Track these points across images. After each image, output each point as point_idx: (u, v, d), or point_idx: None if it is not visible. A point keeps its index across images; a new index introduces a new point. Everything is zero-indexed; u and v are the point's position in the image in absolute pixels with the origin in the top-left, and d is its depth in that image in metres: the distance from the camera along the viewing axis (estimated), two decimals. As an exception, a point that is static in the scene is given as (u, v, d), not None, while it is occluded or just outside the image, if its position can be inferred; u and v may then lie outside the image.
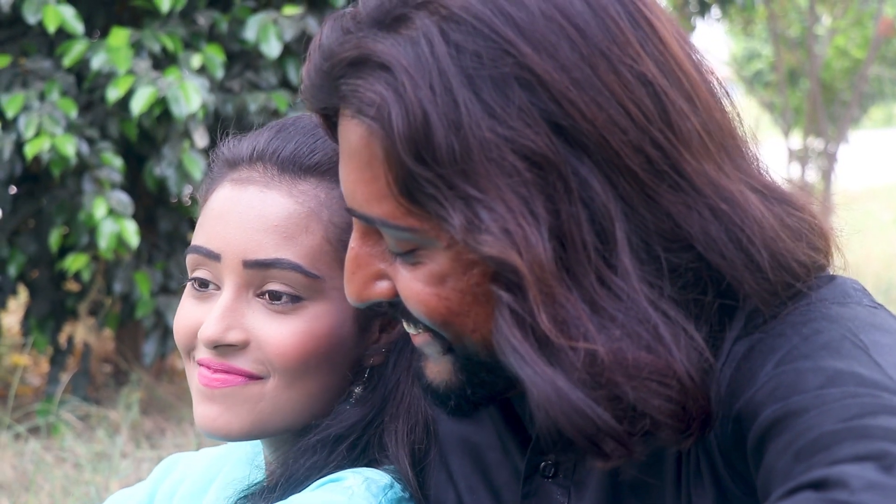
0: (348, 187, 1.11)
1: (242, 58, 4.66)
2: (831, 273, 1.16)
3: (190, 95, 4.14)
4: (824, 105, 10.97)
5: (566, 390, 1.00)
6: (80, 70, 4.40)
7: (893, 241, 10.51)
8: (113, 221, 4.22)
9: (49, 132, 4.11)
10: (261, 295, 1.29)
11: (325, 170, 1.29)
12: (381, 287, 1.14)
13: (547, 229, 1.02)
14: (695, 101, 1.08)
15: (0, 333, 4.97)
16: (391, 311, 1.16)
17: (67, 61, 4.23)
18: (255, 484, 1.34)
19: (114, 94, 4.15)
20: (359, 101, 1.05)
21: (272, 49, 4.39)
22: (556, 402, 1.01)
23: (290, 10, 4.49)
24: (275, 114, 4.45)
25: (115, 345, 5.41)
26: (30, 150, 4.09)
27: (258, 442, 1.44)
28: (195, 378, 1.31)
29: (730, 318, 1.10)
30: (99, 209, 4.20)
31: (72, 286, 5.05)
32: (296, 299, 1.28)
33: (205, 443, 4.29)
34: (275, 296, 1.28)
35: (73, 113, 4.18)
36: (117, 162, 4.32)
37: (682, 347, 1.04)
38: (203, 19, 4.54)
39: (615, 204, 1.04)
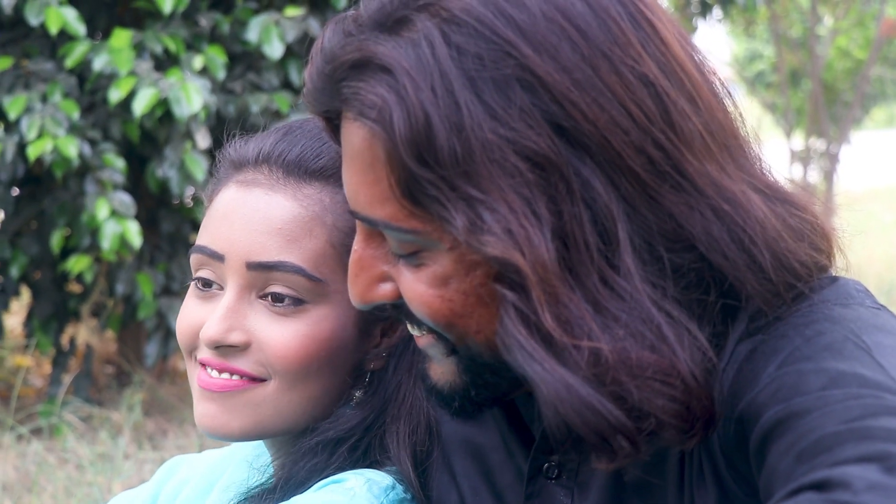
0: (351, 190, 1.12)
1: (244, 59, 4.67)
2: (834, 274, 1.16)
3: (192, 97, 4.14)
4: (826, 106, 10.96)
5: (576, 386, 1.01)
6: (82, 71, 4.41)
7: (895, 242, 10.50)
8: (115, 222, 4.22)
9: (51, 134, 4.11)
10: (263, 297, 1.29)
11: (330, 174, 1.29)
12: (385, 289, 1.14)
13: (549, 230, 1.02)
14: (697, 102, 1.08)
15: (2, 335, 4.97)
16: (395, 312, 1.16)
17: (69, 63, 4.23)
18: (258, 485, 1.34)
19: (116, 95, 4.16)
20: (360, 103, 1.05)
21: (274, 50, 4.39)
22: (566, 398, 1.01)
23: (291, 12, 4.49)
24: (276, 115, 4.46)
25: (117, 346, 5.41)
26: (32, 152, 4.10)
27: (261, 444, 1.44)
28: (196, 378, 1.32)
29: (732, 319, 1.10)
30: (101, 210, 4.20)
31: (74, 288, 5.06)
32: (298, 302, 1.28)
33: (207, 444, 4.29)
34: (277, 298, 1.28)
35: (76, 114, 4.19)
36: (119, 163, 4.33)
37: (686, 347, 1.04)
38: (205, 20, 4.54)
39: (617, 204, 1.04)
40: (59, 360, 4.94)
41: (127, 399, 4.81)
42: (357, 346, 1.32)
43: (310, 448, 1.30)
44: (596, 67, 1.04)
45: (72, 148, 4.09)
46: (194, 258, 1.33)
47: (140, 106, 4.11)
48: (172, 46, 4.33)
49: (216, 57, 4.37)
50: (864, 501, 0.86)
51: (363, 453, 1.31)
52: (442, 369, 1.17)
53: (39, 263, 4.80)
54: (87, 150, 4.23)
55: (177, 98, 4.14)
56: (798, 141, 11.55)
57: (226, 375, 1.30)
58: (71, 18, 4.18)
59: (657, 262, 1.05)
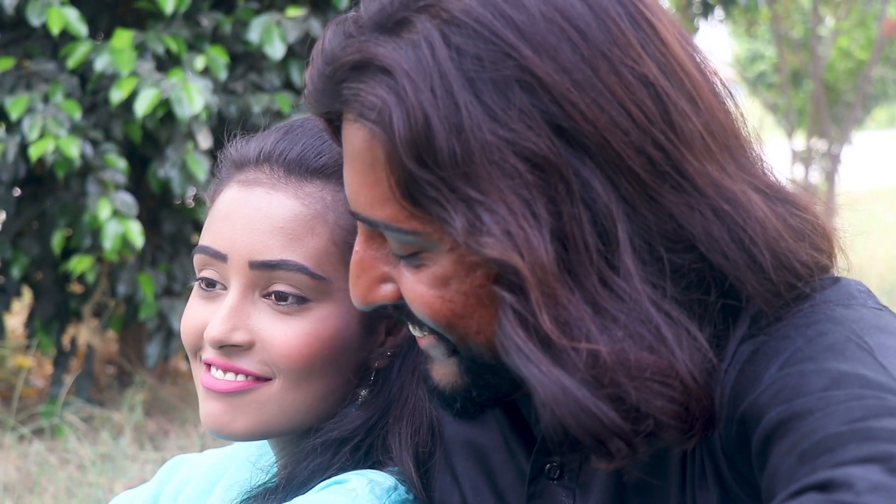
0: (352, 191, 1.12)
1: (246, 59, 4.67)
2: (835, 274, 1.16)
3: (193, 97, 4.14)
4: (828, 106, 10.96)
5: (572, 389, 1.01)
6: (83, 72, 4.41)
7: (897, 243, 10.49)
8: (117, 222, 4.23)
9: (53, 134, 4.12)
10: (267, 296, 1.29)
11: (332, 172, 1.29)
12: (386, 290, 1.14)
13: (549, 231, 1.02)
14: (697, 102, 1.08)
15: (4, 335, 4.97)
16: (396, 313, 1.16)
17: (71, 63, 4.23)
18: (260, 485, 1.34)
19: (117, 95, 4.16)
20: (360, 104, 1.06)
21: (275, 51, 4.39)
22: (562, 400, 1.01)
23: (293, 12, 4.49)
24: (278, 115, 4.46)
25: (118, 347, 5.41)
26: (34, 152, 4.10)
27: (263, 443, 1.44)
28: (200, 379, 1.32)
29: (734, 320, 1.10)
30: (103, 210, 4.21)
31: (76, 288, 5.06)
32: (302, 301, 1.28)
33: (208, 444, 4.29)
34: (281, 297, 1.28)
35: (77, 115, 4.19)
36: (121, 163, 4.33)
37: (685, 348, 1.04)
38: (206, 21, 4.55)
39: (617, 205, 1.04)
40: (61, 361, 4.94)
41: (128, 399, 4.81)
42: (361, 344, 1.32)
43: (313, 448, 1.30)
44: (595, 68, 1.04)
45: (73, 148, 4.10)
46: (197, 258, 1.33)
47: (142, 106, 4.11)
48: (174, 47, 4.33)
49: (218, 57, 4.37)
50: (866, 502, 0.87)
51: (365, 454, 1.31)
52: (444, 370, 1.17)
53: (41, 264, 4.80)
54: (88, 150, 4.23)
55: (178, 98, 4.14)
56: (799, 141, 11.54)
57: (230, 375, 1.30)
58: (73, 19, 4.18)
59: (657, 263, 1.05)
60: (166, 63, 4.44)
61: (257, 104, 4.43)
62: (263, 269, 1.28)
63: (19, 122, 4.21)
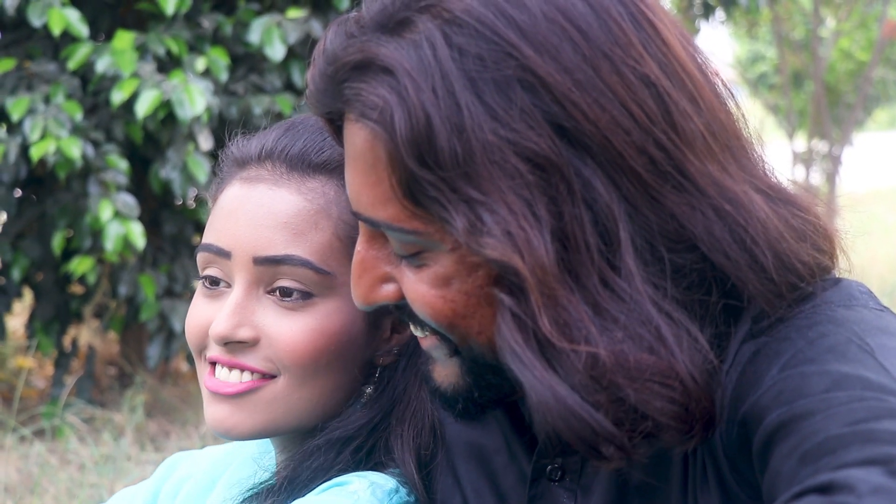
0: (353, 190, 1.12)
1: (246, 61, 4.67)
2: (836, 275, 1.15)
3: (194, 98, 4.15)
4: (828, 107, 10.96)
5: (564, 395, 1.00)
6: (85, 73, 4.41)
7: (898, 244, 10.48)
8: (119, 224, 4.23)
9: (54, 135, 4.12)
10: (271, 292, 1.29)
11: (334, 167, 1.29)
12: (388, 290, 1.14)
13: (549, 231, 1.02)
14: (698, 102, 1.08)
15: (5, 336, 4.97)
16: (398, 313, 1.16)
17: (72, 64, 4.23)
18: (262, 483, 1.34)
19: (118, 96, 4.16)
20: (362, 104, 1.06)
21: (276, 52, 4.39)
22: (553, 406, 1.01)
23: (294, 13, 4.49)
24: (279, 116, 4.46)
25: (119, 348, 5.41)
26: (35, 153, 4.10)
27: (265, 441, 1.44)
28: (205, 381, 1.31)
29: (735, 320, 1.10)
30: (105, 211, 4.21)
31: (76, 289, 5.06)
32: (306, 296, 1.28)
33: (209, 445, 4.28)
34: (285, 292, 1.28)
35: (79, 115, 4.19)
36: (122, 164, 4.33)
37: (685, 349, 1.04)
38: (207, 22, 4.55)
39: (618, 205, 1.04)
40: (62, 362, 4.94)
41: (129, 400, 4.81)
42: (367, 340, 1.32)
43: (315, 448, 1.30)
44: (597, 68, 1.04)
45: (75, 149, 4.10)
46: (201, 257, 1.33)
47: (143, 108, 4.11)
48: (175, 48, 4.33)
49: (218, 59, 4.37)
50: (867, 505, 0.86)
51: (367, 454, 1.31)
52: (445, 371, 1.17)
53: (41, 265, 4.80)
54: (90, 151, 4.24)
55: (179, 100, 4.14)
56: (800, 143, 11.54)
57: (235, 373, 1.29)
58: (74, 20, 4.18)
59: (658, 263, 1.05)
60: (167, 64, 4.44)
61: (258, 105, 4.43)
62: (268, 264, 1.28)
63: (20, 123, 4.21)
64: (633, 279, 1.03)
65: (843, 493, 0.88)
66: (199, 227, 4.96)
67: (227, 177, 1.35)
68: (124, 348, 5.32)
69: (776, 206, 1.10)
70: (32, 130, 4.12)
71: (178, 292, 4.80)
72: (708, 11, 7.02)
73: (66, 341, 5.05)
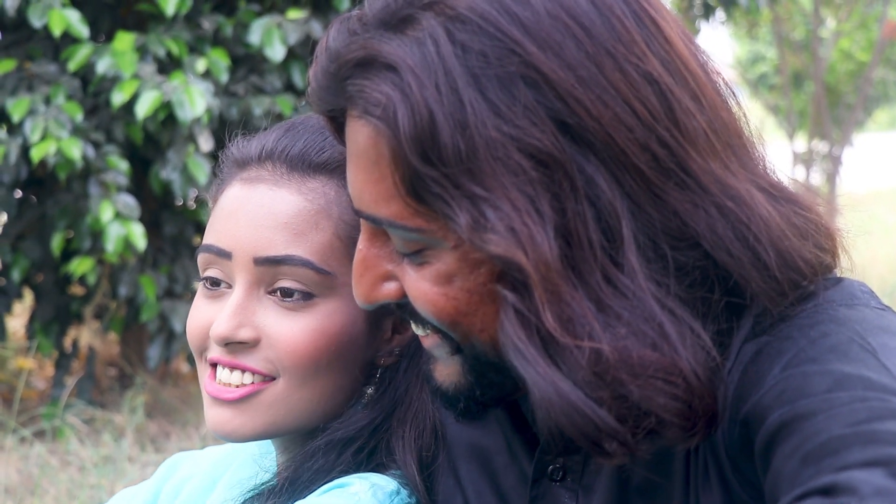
0: (356, 188, 1.12)
1: (247, 62, 4.67)
2: (838, 275, 1.15)
3: (195, 99, 4.15)
4: (829, 108, 10.96)
5: (567, 391, 1.00)
6: (85, 74, 4.41)
7: (898, 244, 10.48)
8: (120, 224, 4.23)
9: (55, 136, 4.12)
10: (272, 292, 1.29)
11: (334, 167, 1.29)
12: (390, 288, 1.14)
13: (553, 228, 1.02)
14: (701, 100, 1.08)
15: (5, 337, 4.97)
16: (400, 311, 1.16)
17: (73, 65, 4.23)
18: (263, 484, 1.34)
19: (119, 98, 4.16)
20: (365, 101, 1.05)
21: (276, 53, 4.39)
22: (556, 402, 1.01)
23: (294, 14, 4.49)
24: (279, 117, 4.45)
25: (119, 348, 5.41)
26: (36, 154, 4.10)
27: (266, 442, 1.44)
28: (206, 385, 1.31)
29: (738, 318, 1.10)
30: (105, 212, 4.21)
31: (77, 290, 5.06)
32: (307, 296, 1.28)
33: (209, 445, 4.28)
34: (286, 293, 1.28)
35: (79, 116, 4.19)
36: (123, 165, 4.33)
37: (688, 346, 1.04)
38: (207, 23, 4.55)
39: (621, 202, 1.04)
40: (62, 363, 4.94)
41: (129, 401, 4.81)
42: (368, 340, 1.32)
43: (316, 449, 1.30)
44: (600, 65, 1.04)
45: (75, 150, 4.10)
46: (201, 258, 1.33)
47: (143, 109, 4.12)
48: (175, 49, 4.33)
49: (219, 60, 4.37)
50: (869, 507, 0.86)
51: (368, 456, 1.31)
52: (447, 370, 1.16)
53: (42, 266, 4.80)
54: (90, 152, 4.24)
55: (180, 101, 4.14)
56: (801, 143, 11.55)
57: (236, 374, 1.29)
58: (74, 20, 4.18)
59: (661, 260, 1.05)
60: (167, 65, 4.44)
61: (258, 106, 4.43)
62: (268, 264, 1.28)
63: (21, 123, 4.21)
64: (636, 276, 1.03)
65: (846, 494, 0.88)
66: (200, 228, 4.96)
67: (227, 177, 1.35)
68: (125, 349, 5.32)
69: (778, 204, 1.10)
70: (33, 131, 4.12)
71: (178, 293, 4.80)
72: (708, 12, 7.03)
73: (67, 342, 5.05)
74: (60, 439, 4.48)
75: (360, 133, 1.08)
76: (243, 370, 1.29)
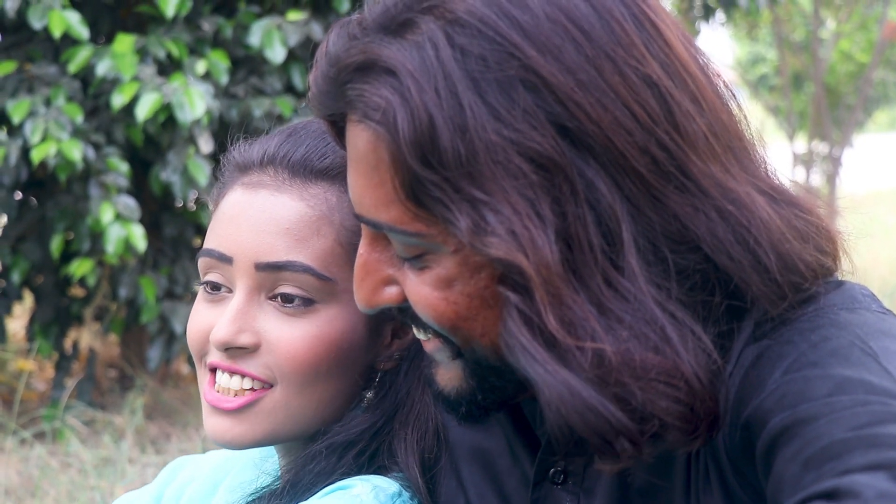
0: (356, 193, 1.12)
1: (247, 63, 4.67)
2: (839, 277, 1.15)
3: (194, 101, 4.15)
4: (829, 109, 10.96)
5: (578, 388, 1.00)
6: (85, 75, 4.41)
7: (899, 245, 10.48)
8: (120, 226, 4.23)
9: (55, 137, 4.12)
10: (273, 298, 1.29)
11: (336, 173, 1.29)
12: (391, 292, 1.14)
13: (553, 231, 1.02)
14: (700, 103, 1.08)
15: (5, 339, 4.97)
16: (401, 316, 1.16)
17: (73, 67, 4.24)
18: (264, 488, 1.34)
19: (119, 100, 4.16)
20: (365, 105, 1.05)
21: (276, 54, 4.39)
22: (568, 400, 1.00)
23: (294, 16, 4.49)
24: (279, 119, 4.46)
25: (120, 350, 5.41)
26: (36, 155, 4.10)
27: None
28: (205, 393, 1.31)
29: (738, 321, 1.10)
30: (106, 214, 4.21)
31: (77, 291, 5.06)
32: (308, 302, 1.28)
33: (210, 448, 4.28)
34: (287, 298, 1.28)
35: (79, 118, 4.19)
36: (123, 167, 4.33)
37: (690, 349, 1.04)
38: (207, 25, 4.55)
39: (621, 205, 1.04)
40: (62, 364, 4.94)
41: (130, 403, 4.81)
42: (368, 346, 1.32)
43: (318, 452, 1.30)
44: (599, 68, 1.04)
45: (76, 151, 4.10)
46: (202, 262, 1.32)
47: (143, 111, 4.12)
48: (175, 51, 4.33)
49: (219, 61, 4.37)
50: (873, 511, 0.86)
51: (370, 458, 1.30)
52: (449, 374, 1.16)
53: (42, 267, 4.80)
54: (90, 153, 4.24)
55: (180, 103, 4.15)
56: (801, 144, 11.55)
57: (236, 379, 1.29)
58: (74, 22, 4.18)
59: (662, 264, 1.05)
60: (167, 67, 4.44)
61: (258, 108, 4.43)
62: (269, 270, 1.27)
63: (21, 125, 4.21)
64: (637, 279, 1.03)
65: (849, 498, 0.88)
66: (200, 230, 4.96)
67: (228, 182, 1.35)
68: (125, 351, 5.32)
69: (779, 207, 1.10)
70: (33, 133, 4.12)
71: (178, 294, 4.80)
72: (708, 13, 7.03)
73: (67, 344, 5.05)
74: (60, 441, 4.48)
75: (359, 137, 1.08)
76: (243, 375, 1.29)
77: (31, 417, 4.74)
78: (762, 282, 1.07)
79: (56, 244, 4.44)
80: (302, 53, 4.57)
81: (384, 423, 1.31)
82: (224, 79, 4.36)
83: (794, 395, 1.00)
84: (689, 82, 1.08)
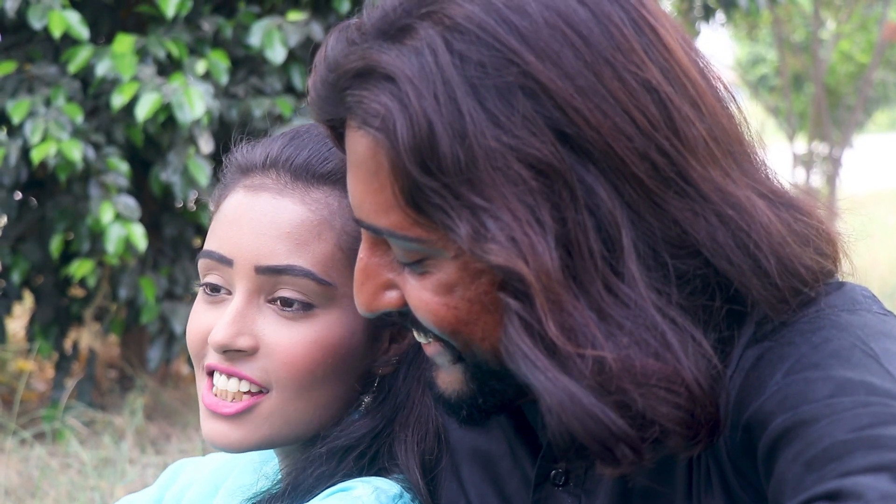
0: (356, 198, 1.11)
1: (247, 63, 4.67)
2: (839, 279, 1.15)
3: (194, 101, 4.14)
4: (829, 109, 10.96)
5: (579, 395, 1.00)
6: (85, 76, 4.41)
7: (899, 246, 10.48)
8: (120, 226, 4.23)
9: (55, 137, 4.12)
10: (272, 301, 1.29)
11: (338, 178, 1.29)
12: (391, 297, 1.14)
13: (553, 237, 1.02)
14: (700, 108, 1.08)
15: (5, 339, 4.97)
16: (401, 320, 1.16)
17: (73, 67, 4.23)
18: (264, 491, 1.34)
19: (119, 100, 4.16)
20: (364, 112, 1.05)
21: (276, 55, 4.39)
22: (568, 406, 1.00)
23: (294, 16, 4.49)
24: (279, 119, 4.46)
25: (120, 350, 5.41)
26: (36, 156, 4.10)
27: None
28: (203, 397, 1.31)
29: (739, 325, 1.10)
30: (106, 214, 4.21)
31: (77, 292, 5.06)
32: (307, 307, 1.28)
33: (210, 448, 4.27)
34: (286, 302, 1.28)
35: (79, 118, 4.19)
36: (123, 167, 4.33)
37: (690, 354, 1.04)
38: (208, 25, 4.55)
39: (621, 211, 1.04)
40: (62, 365, 4.94)
41: (129, 403, 4.81)
42: (366, 351, 1.32)
43: (318, 455, 1.30)
44: (599, 74, 1.04)
45: (76, 152, 4.10)
46: (202, 263, 1.32)
47: (143, 111, 4.12)
48: (175, 51, 4.33)
49: (219, 61, 4.37)
50: (876, 512, 0.86)
51: (371, 461, 1.30)
52: (449, 378, 1.16)
53: (42, 268, 4.80)
54: (90, 153, 4.23)
55: (179, 103, 4.14)
56: (801, 145, 11.55)
57: (233, 382, 1.29)
58: (74, 22, 4.18)
59: (662, 269, 1.05)
60: (167, 67, 4.44)
61: (258, 108, 4.43)
62: (269, 274, 1.27)
63: (21, 125, 4.21)
64: (637, 285, 1.03)
65: (851, 500, 0.88)
66: (200, 230, 4.96)
67: (230, 183, 1.35)
68: (125, 351, 5.32)
69: (779, 210, 1.10)
70: (33, 133, 4.12)
71: (178, 295, 4.80)
72: (708, 14, 7.03)
73: (67, 344, 5.05)
74: (60, 441, 4.48)
75: (359, 143, 1.08)
76: (240, 378, 1.29)
77: (30, 418, 4.74)
78: (762, 286, 1.07)
79: (56, 244, 4.44)
80: (302, 54, 4.57)
81: (384, 426, 1.31)
82: (224, 79, 4.36)
83: (796, 396, 1.00)
84: (688, 87, 1.08)
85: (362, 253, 1.15)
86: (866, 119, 14.09)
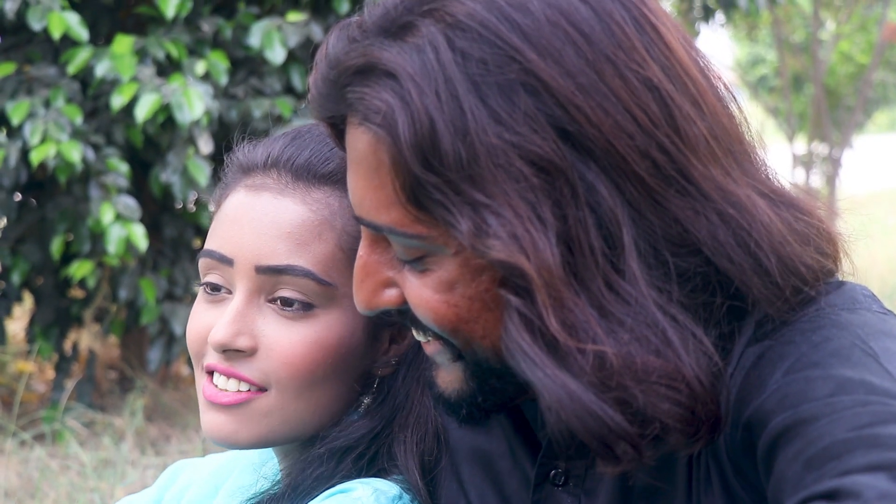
0: (356, 195, 1.11)
1: (246, 64, 4.67)
2: (840, 278, 1.15)
3: (193, 102, 4.14)
4: (829, 110, 10.97)
5: (578, 392, 1.00)
6: (84, 77, 4.41)
7: (898, 246, 10.48)
8: (121, 226, 4.23)
9: (55, 138, 4.12)
10: (272, 301, 1.29)
11: (339, 178, 1.29)
12: (390, 295, 1.14)
13: (554, 234, 1.02)
14: (701, 106, 1.08)
15: (5, 340, 4.96)
16: (400, 318, 1.16)
17: (72, 68, 4.23)
18: (263, 492, 1.34)
19: (118, 101, 4.16)
20: (365, 108, 1.05)
21: (276, 55, 4.39)
22: (568, 404, 1.00)
23: (294, 17, 4.49)
24: (279, 120, 4.46)
25: (120, 351, 5.41)
26: (35, 157, 4.10)
27: (267, 449, 1.43)
28: (203, 388, 1.31)
29: (739, 324, 1.10)
30: (106, 214, 4.21)
31: (77, 293, 5.05)
32: (307, 307, 1.28)
33: (210, 449, 4.28)
34: (286, 302, 1.28)
35: (79, 119, 4.19)
36: (123, 167, 4.33)
37: (691, 352, 1.04)
38: (207, 26, 4.55)
39: (622, 209, 1.04)
40: (62, 366, 4.94)
41: (129, 404, 4.81)
42: (366, 352, 1.31)
43: (317, 456, 1.29)
44: (600, 72, 1.04)
45: (75, 153, 4.10)
46: (203, 263, 1.32)
47: (142, 112, 4.12)
48: (175, 52, 4.33)
49: (218, 62, 4.37)
50: (874, 511, 0.86)
51: (370, 461, 1.30)
52: (449, 377, 1.16)
53: (41, 269, 4.80)
54: (90, 154, 4.23)
55: (179, 104, 4.14)
56: (801, 145, 11.55)
57: (233, 383, 1.29)
58: (73, 23, 4.18)
59: (662, 267, 1.05)
60: (167, 68, 4.44)
61: (258, 109, 4.43)
62: (270, 273, 1.27)
63: (20, 127, 4.21)
64: (638, 282, 1.03)
65: (850, 499, 0.88)
66: (200, 231, 4.96)
67: (231, 183, 1.35)
68: (125, 352, 5.31)
69: (779, 209, 1.10)
70: (32, 134, 4.12)
71: (178, 296, 4.80)
72: (708, 14, 7.03)
73: (67, 345, 5.05)
74: (60, 442, 4.48)
75: (360, 140, 1.08)
76: (239, 379, 1.29)
77: (30, 419, 4.74)
78: (763, 285, 1.07)
79: (56, 246, 4.44)
80: (302, 54, 4.57)
81: (383, 426, 1.31)
82: (224, 79, 4.36)
83: (796, 395, 1.00)
84: (689, 85, 1.08)
85: (362, 251, 1.15)
86: (866, 120, 14.09)
